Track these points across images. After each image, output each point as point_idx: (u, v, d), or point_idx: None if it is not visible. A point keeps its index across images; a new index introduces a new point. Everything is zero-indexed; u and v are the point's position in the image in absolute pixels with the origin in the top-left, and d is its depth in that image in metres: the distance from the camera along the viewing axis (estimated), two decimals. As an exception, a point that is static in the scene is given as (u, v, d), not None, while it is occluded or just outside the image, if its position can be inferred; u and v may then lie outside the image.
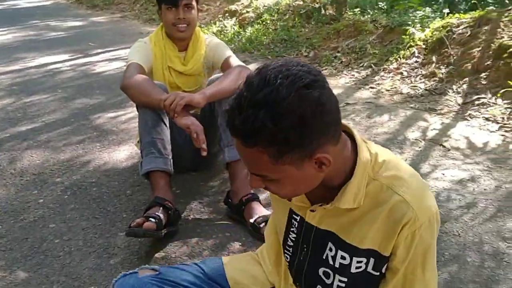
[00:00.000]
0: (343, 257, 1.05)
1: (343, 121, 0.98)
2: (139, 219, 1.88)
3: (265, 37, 5.90)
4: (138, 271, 1.25)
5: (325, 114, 0.86)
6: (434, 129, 3.13)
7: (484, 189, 2.33)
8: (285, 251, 1.19)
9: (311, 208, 1.07)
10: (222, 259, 1.37)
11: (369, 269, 1.04)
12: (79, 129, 3.28)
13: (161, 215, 1.92)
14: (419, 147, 2.86)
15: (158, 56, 2.38)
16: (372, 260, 1.03)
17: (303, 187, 0.97)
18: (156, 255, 1.89)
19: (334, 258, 1.07)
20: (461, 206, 2.19)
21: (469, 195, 2.29)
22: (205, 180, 2.52)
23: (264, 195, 2.32)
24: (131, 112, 3.56)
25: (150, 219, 1.87)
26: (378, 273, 1.03)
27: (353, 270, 1.05)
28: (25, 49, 6.22)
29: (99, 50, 6.01)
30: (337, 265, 1.06)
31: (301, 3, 6.70)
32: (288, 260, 1.19)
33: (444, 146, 2.83)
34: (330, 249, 1.07)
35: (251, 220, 2.00)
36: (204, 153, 1.96)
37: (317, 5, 6.35)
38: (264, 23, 6.40)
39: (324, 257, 1.09)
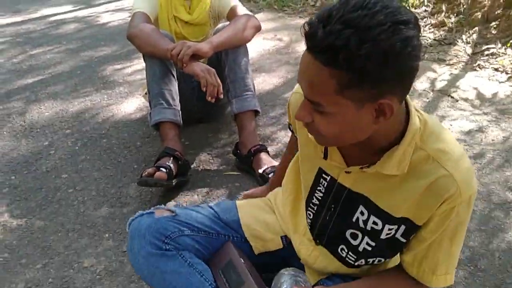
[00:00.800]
0: (375, 223, 1.04)
1: None
2: (150, 169, 1.91)
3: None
4: (154, 211, 1.24)
5: (410, 58, 0.80)
6: (442, 80, 3.10)
7: (492, 140, 2.34)
8: (309, 208, 1.18)
9: (346, 170, 1.04)
10: (236, 202, 1.37)
11: (398, 235, 1.04)
12: (86, 81, 3.27)
13: (172, 165, 1.95)
14: (427, 98, 2.85)
15: (163, 5, 2.33)
16: (403, 228, 1.02)
17: (350, 134, 0.90)
18: (168, 204, 1.94)
19: (365, 222, 1.06)
20: (469, 157, 2.19)
21: (476, 145, 2.30)
22: (214, 132, 2.53)
23: (272, 147, 2.34)
24: (137, 64, 3.54)
25: (161, 169, 1.90)
26: (405, 240, 1.04)
27: (383, 236, 1.05)
28: (26, 1, 6.10)
29: (102, 1, 5.90)
30: (368, 228, 1.06)
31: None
32: (310, 217, 1.18)
33: (452, 97, 2.82)
34: (362, 213, 1.06)
35: (260, 171, 2.03)
36: (221, 96, 1.96)
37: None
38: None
39: (354, 220, 1.08)
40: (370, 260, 1.12)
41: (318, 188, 1.13)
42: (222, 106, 2.61)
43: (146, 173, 1.89)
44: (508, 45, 3.34)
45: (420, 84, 3.04)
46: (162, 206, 1.30)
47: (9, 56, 3.87)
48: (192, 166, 2.19)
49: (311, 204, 1.17)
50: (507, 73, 3.10)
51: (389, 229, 1.03)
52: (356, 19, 0.76)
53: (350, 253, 1.13)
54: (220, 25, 2.33)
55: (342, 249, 1.14)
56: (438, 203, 0.95)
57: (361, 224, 1.07)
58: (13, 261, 1.68)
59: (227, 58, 2.20)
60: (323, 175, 1.11)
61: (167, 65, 2.13)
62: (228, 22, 2.27)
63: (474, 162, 2.17)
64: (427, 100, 2.82)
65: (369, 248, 1.08)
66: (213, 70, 1.97)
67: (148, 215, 1.23)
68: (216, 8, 2.40)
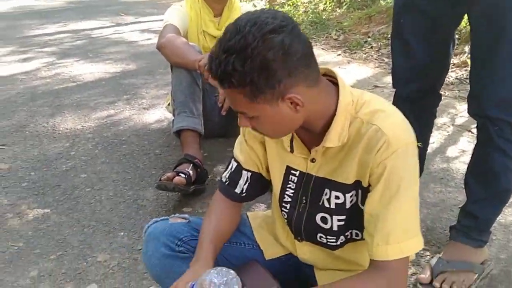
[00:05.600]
0: (337, 197, 1.10)
1: (328, 67, 1.07)
2: (170, 174, 1.92)
3: (295, 18, 5.87)
4: (169, 218, 1.29)
5: (289, 57, 0.91)
6: (462, 116, 3.11)
7: None
8: (282, 208, 1.22)
9: (311, 157, 1.11)
10: (247, 214, 1.42)
11: (359, 202, 1.08)
12: (110, 92, 3.34)
13: (191, 172, 1.96)
14: (447, 132, 2.85)
15: (193, 20, 2.40)
16: (360, 193, 1.07)
17: (283, 127, 1.03)
18: (184, 209, 1.94)
19: (329, 200, 1.11)
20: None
21: (496, 179, 2.28)
22: (233, 147, 2.54)
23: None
24: (160, 79, 3.61)
25: (180, 174, 1.91)
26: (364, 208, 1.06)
27: (348, 206, 1.09)
28: (56, 14, 6.31)
29: (129, 20, 6.07)
30: (333, 206, 1.11)
31: (334, -13, 6.65)
32: (286, 216, 1.22)
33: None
34: (326, 194, 1.11)
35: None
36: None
37: (349, -9, 6.30)
38: (294, 5, 6.38)
39: (321, 203, 1.13)
40: (348, 234, 1.15)
41: (288, 185, 1.18)
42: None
43: (165, 177, 1.91)
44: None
45: (440, 118, 3.04)
46: (177, 214, 1.33)
47: (37, 63, 3.97)
48: (209, 177, 2.20)
49: (284, 204, 1.21)
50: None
51: (350, 197, 1.08)
52: (234, 45, 0.90)
53: (328, 237, 1.16)
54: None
55: (320, 236, 1.17)
56: (372, 156, 0.99)
57: (326, 204, 1.12)
58: (27, 250, 1.68)
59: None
60: (292, 171, 1.17)
61: (193, 76, 2.17)
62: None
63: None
64: (447, 134, 2.82)
65: (342, 223, 1.12)
66: None
67: (163, 221, 1.28)
68: (245, 25, 2.45)
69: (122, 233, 1.78)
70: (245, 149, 1.26)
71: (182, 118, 2.14)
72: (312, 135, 1.08)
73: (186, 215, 1.31)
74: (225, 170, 1.31)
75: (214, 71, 0.94)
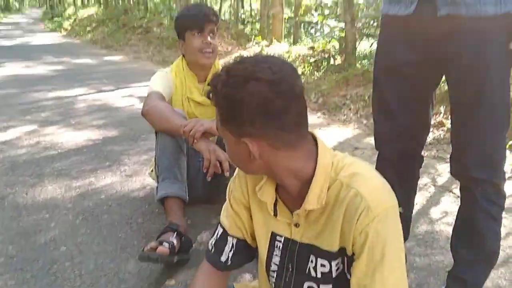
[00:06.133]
0: (322, 265, 1.08)
1: (311, 129, 1.07)
2: (153, 243, 1.88)
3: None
4: None
5: (260, 109, 0.94)
6: (443, 176, 3.15)
7: (495, 235, 2.32)
8: (270, 277, 1.21)
9: (295, 222, 1.10)
10: (234, 284, 1.41)
11: (345, 270, 1.06)
12: (91, 159, 3.31)
13: (174, 241, 1.92)
14: (429, 193, 2.88)
15: (178, 86, 2.44)
16: (346, 260, 1.05)
17: (240, 163, 1.08)
18: (167, 282, 1.88)
19: (315, 269, 1.09)
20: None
21: (480, 240, 2.28)
22: (217, 213, 2.51)
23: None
24: (143, 145, 3.62)
25: (164, 243, 1.87)
26: (350, 276, 1.04)
27: (334, 275, 1.07)
28: (39, 82, 6.36)
29: (113, 87, 6.14)
30: (319, 275, 1.09)
31: (311, 52, 6.91)
32: (274, 286, 1.20)
33: (454, 193, 2.85)
34: (312, 261, 1.10)
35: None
36: (227, 174, 1.97)
37: (326, 55, 6.55)
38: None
39: (307, 272, 1.11)
40: None
41: (275, 253, 1.17)
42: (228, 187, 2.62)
43: (149, 247, 1.86)
44: (507, 146, 3.44)
45: (422, 179, 3.07)
46: None
47: (19, 131, 3.95)
48: (194, 245, 2.16)
49: (271, 272, 1.20)
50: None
51: (336, 265, 1.06)
52: (230, 67, 0.97)
53: None
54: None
55: None
56: (353, 224, 0.97)
57: (313, 273, 1.10)
58: (2, 332, 1.60)
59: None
60: (277, 237, 1.16)
61: (178, 141, 2.19)
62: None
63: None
64: (429, 195, 2.85)
65: None
66: (220, 150, 2.02)
67: None
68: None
69: (103, 310, 1.71)
70: (230, 214, 1.25)
71: (166, 185, 2.13)
72: (293, 198, 1.08)
73: None
74: (211, 237, 1.30)
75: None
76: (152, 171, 2.52)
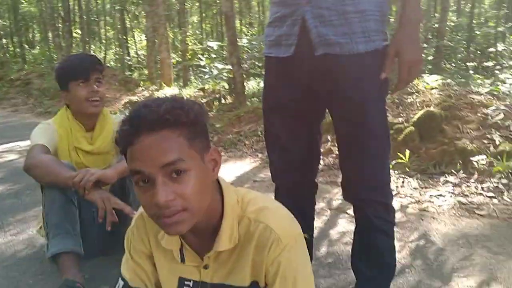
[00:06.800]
0: None
1: None
2: (48, 304, 1.72)
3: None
4: None
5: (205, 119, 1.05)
6: (337, 199, 3.32)
7: (389, 249, 2.47)
8: None
9: (204, 264, 1.10)
10: None
11: None
12: (-31, 222, 2.98)
13: (72, 299, 1.78)
14: (326, 216, 3.00)
15: (63, 137, 2.32)
16: None
17: (204, 195, 0.99)
18: None
19: None
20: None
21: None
22: (117, 265, 2.37)
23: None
24: (28, 201, 3.36)
25: (61, 303, 1.72)
26: None
27: None
28: None
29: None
30: None
31: (202, 93, 7.01)
32: None
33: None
34: None
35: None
36: (132, 215, 1.87)
37: (217, 95, 6.69)
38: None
39: None
40: None
41: None
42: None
43: (43, 309, 1.70)
44: (391, 166, 3.73)
45: (318, 204, 3.20)
46: None
47: None
48: (94, 301, 2.01)
49: None
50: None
51: None
52: (163, 100, 1.00)
53: None
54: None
55: None
56: (265, 255, 1.01)
57: None
58: None
59: (132, 184, 2.17)
60: (185, 282, 1.14)
61: (67, 194, 2.05)
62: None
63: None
64: (326, 218, 2.98)
65: None
66: (115, 197, 1.94)
67: None
68: (119, 137, 2.43)
69: None
70: (131, 266, 1.19)
71: (57, 241, 1.98)
72: (201, 240, 1.07)
73: None
74: None
75: (150, 119, 0.93)
76: (40, 227, 2.33)
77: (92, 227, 2.23)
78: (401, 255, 2.39)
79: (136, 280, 1.20)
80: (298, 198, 1.82)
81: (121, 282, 1.22)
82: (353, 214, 1.79)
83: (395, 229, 1.76)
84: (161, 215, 0.95)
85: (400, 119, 4.28)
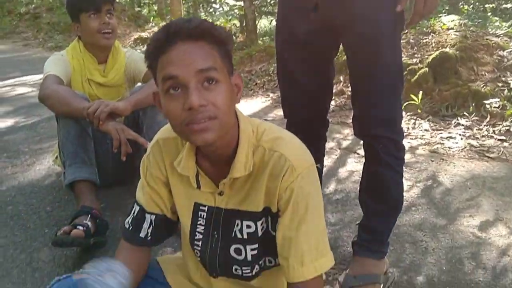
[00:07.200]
0: (248, 226, 1.12)
1: None
2: (66, 227, 1.79)
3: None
4: (72, 275, 1.19)
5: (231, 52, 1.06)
6: (347, 139, 3.34)
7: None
8: (195, 246, 1.21)
9: (219, 191, 1.12)
10: (156, 259, 1.37)
11: (270, 228, 1.11)
12: (-14, 152, 3.06)
13: (89, 223, 1.85)
14: (336, 155, 3.04)
15: (76, 69, 2.32)
16: (269, 219, 1.10)
17: (230, 109, 1.02)
18: (85, 265, 1.80)
19: (241, 231, 1.13)
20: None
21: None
22: (131, 194, 2.44)
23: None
24: (43, 133, 3.42)
25: (78, 227, 1.79)
26: (275, 233, 1.09)
27: (260, 234, 1.12)
28: None
29: (4, 77, 5.68)
30: (245, 236, 1.12)
31: (213, 30, 6.87)
32: (199, 254, 1.21)
33: (358, 153, 3.03)
34: (237, 225, 1.13)
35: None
36: (146, 146, 1.91)
37: (229, 33, 6.56)
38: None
39: (233, 235, 1.14)
40: (262, 262, 1.17)
41: (199, 222, 1.19)
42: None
43: (62, 231, 1.77)
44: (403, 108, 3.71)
45: (328, 143, 3.23)
46: (81, 270, 1.22)
47: None
48: (110, 227, 2.09)
49: (195, 241, 1.20)
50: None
51: (261, 224, 1.11)
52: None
53: (243, 268, 1.17)
54: (136, 87, 2.35)
55: (235, 268, 1.17)
56: (278, 182, 1.04)
57: (239, 235, 1.13)
58: None
59: (145, 117, 2.20)
60: (201, 207, 1.17)
61: (82, 124, 2.08)
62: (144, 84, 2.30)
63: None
64: (335, 157, 3.01)
65: (255, 252, 1.14)
66: (129, 129, 1.96)
67: (66, 279, 1.17)
68: (132, 71, 2.43)
69: (17, 302, 1.61)
70: (147, 192, 1.23)
71: (74, 169, 2.03)
72: (217, 168, 1.09)
73: (90, 270, 1.22)
74: (127, 216, 1.26)
75: (188, 28, 0.95)
76: (56, 158, 2.39)
77: (107, 158, 2.28)
78: (409, 194, 2.44)
79: (152, 205, 1.23)
80: (310, 134, 1.82)
81: (136, 207, 1.26)
82: (362, 154, 1.81)
83: (404, 169, 1.78)
84: (191, 121, 0.95)
85: (415, 60, 4.20)
